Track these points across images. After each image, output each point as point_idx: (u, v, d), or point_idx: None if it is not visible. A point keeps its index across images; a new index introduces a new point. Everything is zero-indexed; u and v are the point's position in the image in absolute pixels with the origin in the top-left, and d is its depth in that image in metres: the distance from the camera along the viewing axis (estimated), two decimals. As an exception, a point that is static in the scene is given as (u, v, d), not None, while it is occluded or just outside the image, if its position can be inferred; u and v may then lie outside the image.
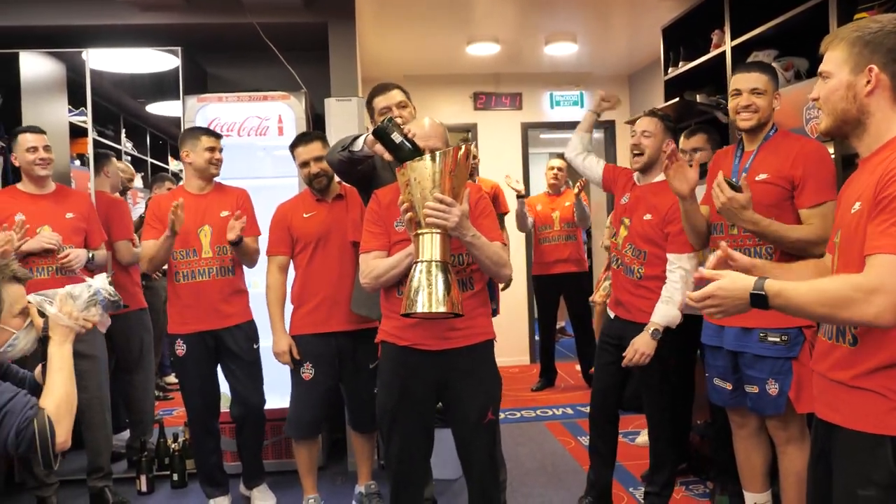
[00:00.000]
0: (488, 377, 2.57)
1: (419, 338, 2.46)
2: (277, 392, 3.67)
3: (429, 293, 2.17)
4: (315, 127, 4.09)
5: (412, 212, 2.26)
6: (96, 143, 4.81)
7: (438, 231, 2.22)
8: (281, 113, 4.02)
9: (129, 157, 6.15)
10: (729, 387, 2.67)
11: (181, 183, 3.51)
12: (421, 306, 2.17)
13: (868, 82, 1.51)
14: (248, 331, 3.41)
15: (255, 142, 4.08)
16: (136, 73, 4.57)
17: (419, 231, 2.25)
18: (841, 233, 1.60)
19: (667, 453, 3.11)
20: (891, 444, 1.46)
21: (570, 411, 5.15)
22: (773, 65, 3.30)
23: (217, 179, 3.44)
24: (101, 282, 2.13)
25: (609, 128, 7.01)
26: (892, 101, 1.52)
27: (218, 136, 3.39)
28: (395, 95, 2.89)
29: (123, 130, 5.97)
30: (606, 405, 3.15)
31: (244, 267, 3.43)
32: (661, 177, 2.97)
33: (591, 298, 5.40)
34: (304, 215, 3.22)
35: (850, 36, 1.54)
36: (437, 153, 2.22)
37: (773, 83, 2.58)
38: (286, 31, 4.25)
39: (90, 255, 3.40)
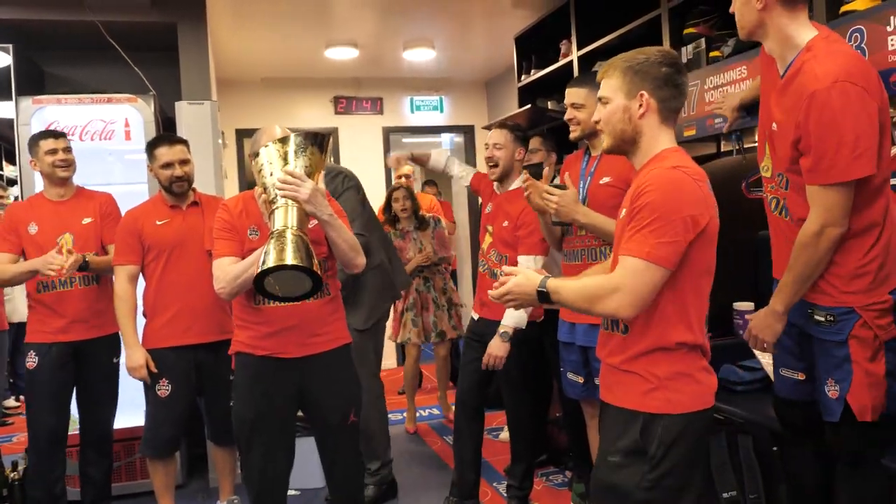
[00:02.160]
0: (348, 380, 2.59)
1: (278, 346, 2.44)
2: (129, 409, 3.49)
3: (279, 249, 2.11)
4: (165, 131, 3.92)
5: (266, 193, 2.27)
6: None
7: (293, 204, 2.22)
8: (128, 116, 3.82)
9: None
10: (581, 380, 2.81)
11: (40, 190, 3.29)
12: (271, 261, 2.09)
13: (640, 106, 1.74)
14: (111, 343, 3.21)
15: (101, 146, 3.86)
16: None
17: (273, 207, 2.23)
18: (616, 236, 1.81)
19: (524, 446, 3.23)
20: (642, 419, 1.69)
21: (435, 412, 5.23)
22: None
23: (73, 184, 3.28)
24: None
25: (469, 132, 7.20)
26: (660, 122, 1.76)
27: (59, 136, 3.19)
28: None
29: (-52, 133, 5.47)
30: (470, 402, 3.21)
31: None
32: (515, 185, 3.11)
33: (392, 338, 4.82)
34: (158, 222, 3.06)
35: (622, 66, 1.78)
36: (289, 136, 2.27)
37: (596, 94, 2.70)
38: (132, 30, 4.05)
39: None
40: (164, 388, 3.02)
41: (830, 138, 1.75)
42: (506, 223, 3.06)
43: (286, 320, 2.43)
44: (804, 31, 1.88)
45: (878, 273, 1.85)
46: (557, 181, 2.62)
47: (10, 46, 3.79)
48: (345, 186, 3.33)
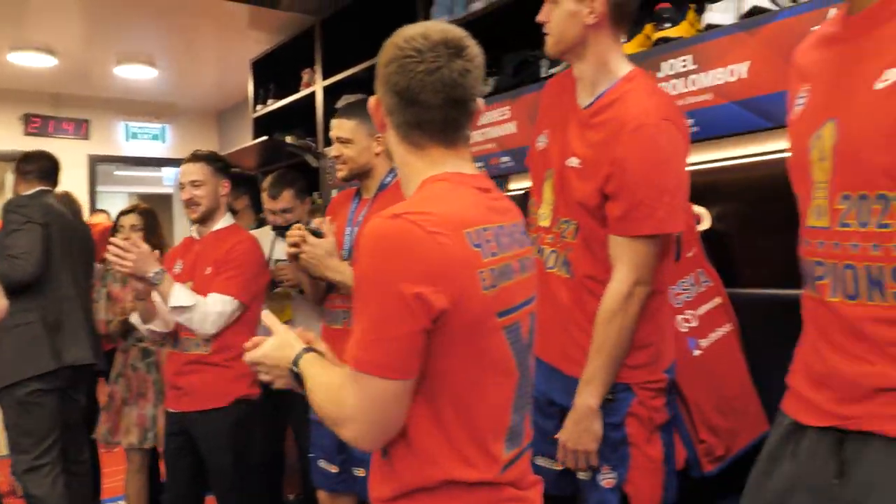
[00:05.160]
0: None
1: None
2: None
3: None
4: None
5: None
6: None
7: None
8: None
9: None
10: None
11: None
12: None
13: None
14: None
15: None
16: None
17: None
18: None
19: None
20: None
21: None
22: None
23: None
24: None
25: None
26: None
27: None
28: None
29: None
30: None
31: None
32: (222, 223, 2.55)
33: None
34: None
35: None
36: None
37: (366, 126, 2.27)
38: None
39: None
40: None
41: (653, 182, 1.48)
42: (208, 270, 2.44)
43: None
44: (623, 59, 1.61)
45: (659, 346, 1.61)
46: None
47: None
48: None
